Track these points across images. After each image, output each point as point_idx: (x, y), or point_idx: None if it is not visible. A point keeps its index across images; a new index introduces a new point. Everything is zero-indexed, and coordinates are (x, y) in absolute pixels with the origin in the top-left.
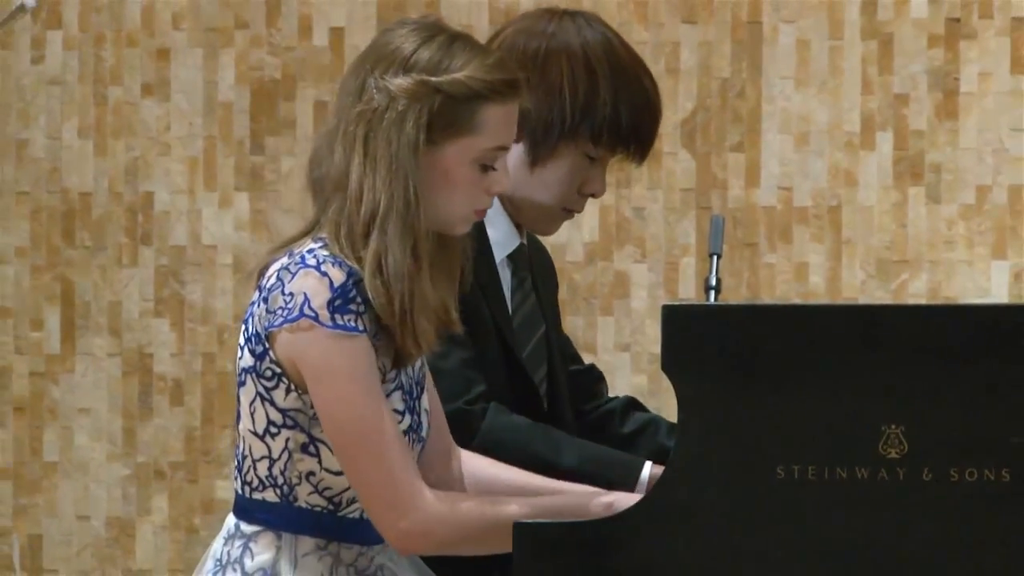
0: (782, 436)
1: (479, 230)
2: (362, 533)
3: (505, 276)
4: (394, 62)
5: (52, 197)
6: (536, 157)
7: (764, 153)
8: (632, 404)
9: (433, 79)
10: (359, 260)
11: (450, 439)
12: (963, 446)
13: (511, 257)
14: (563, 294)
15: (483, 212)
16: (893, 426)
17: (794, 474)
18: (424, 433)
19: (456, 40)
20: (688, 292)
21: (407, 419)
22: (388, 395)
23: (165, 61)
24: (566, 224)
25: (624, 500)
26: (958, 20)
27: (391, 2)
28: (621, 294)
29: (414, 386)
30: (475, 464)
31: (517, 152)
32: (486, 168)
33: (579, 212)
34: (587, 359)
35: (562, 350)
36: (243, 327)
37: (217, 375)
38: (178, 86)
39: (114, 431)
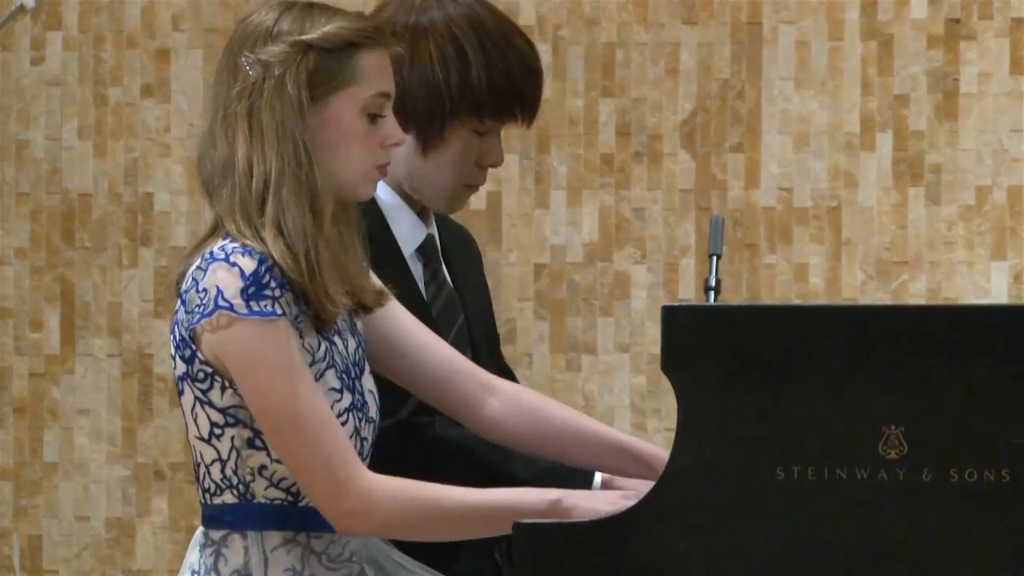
0: (782, 437)
1: (383, 228)
2: (327, 521)
3: (417, 270)
4: (259, 37)
5: (52, 198)
6: (426, 144)
7: (764, 154)
8: None
9: (303, 37)
10: (256, 238)
11: (482, 379)
12: (963, 447)
13: (420, 250)
14: (563, 294)
15: (384, 169)
16: (893, 427)
17: (794, 475)
18: (373, 414)
19: (313, 6)
20: (688, 293)
21: (347, 397)
22: (321, 374)
23: (165, 62)
24: (565, 225)
25: (571, 496)
26: (958, 21)
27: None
28: (621, 295)
29: (351, 366)
30: (527, 400)
31: (407, 142)
32: (374, 118)
33: (482, 184)
34: (586, 359)
35: (489, 332)
36: (170, 338)
37: None
38: (178, 87)
39: (114, 432)
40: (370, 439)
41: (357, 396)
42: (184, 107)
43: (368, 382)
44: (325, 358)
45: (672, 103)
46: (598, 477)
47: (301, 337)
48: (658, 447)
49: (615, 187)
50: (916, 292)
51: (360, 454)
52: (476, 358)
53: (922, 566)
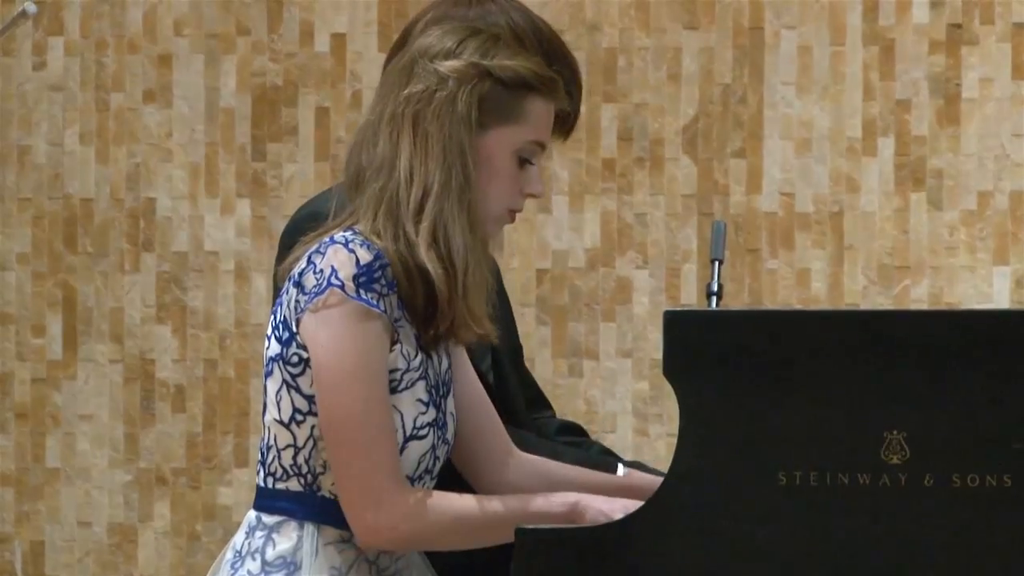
0: (784, 442)
1: None
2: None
3: None
4: (442, 50)
5: (54, 203)
6: None
7: (766, 159)
8: (573, 427)
9: (484, 62)
10: (396, 239)
11: (507, 442)
12: (965, 452)
13: None
14: (565, 300)
15: (514, 215)
16: (895, 432)
17: (796, 480)
18: (450, 436)
19: (499, 39)
20: (690, 298)
21: (431, 412)
22: (413, 384)
23: (167, 67)
24: (567, 230)
25: (587, 500)
26: (959, 26)
27: (392, 8)
28: (623, 300)
29: (440, 384)
30: (541, 466)
31: None
32: (523, 163)
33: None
34: (589, 365)
35: (513, 344)
36: (271, 317)
37: (219, 381)
38: (180, 92)
39: (116, 437)
40: (442, 459)
41: (440, 415)
42: (186, 112)
43: (450, 404)
44: (420, 368)
45: (674, 108)
46: (621, 469)
47: (399, 342)
48: (657, 476)
49: (617, 192)
50: (918, 297)
51: (430, 472)
52: (497, 371)
53: (924, 571)
